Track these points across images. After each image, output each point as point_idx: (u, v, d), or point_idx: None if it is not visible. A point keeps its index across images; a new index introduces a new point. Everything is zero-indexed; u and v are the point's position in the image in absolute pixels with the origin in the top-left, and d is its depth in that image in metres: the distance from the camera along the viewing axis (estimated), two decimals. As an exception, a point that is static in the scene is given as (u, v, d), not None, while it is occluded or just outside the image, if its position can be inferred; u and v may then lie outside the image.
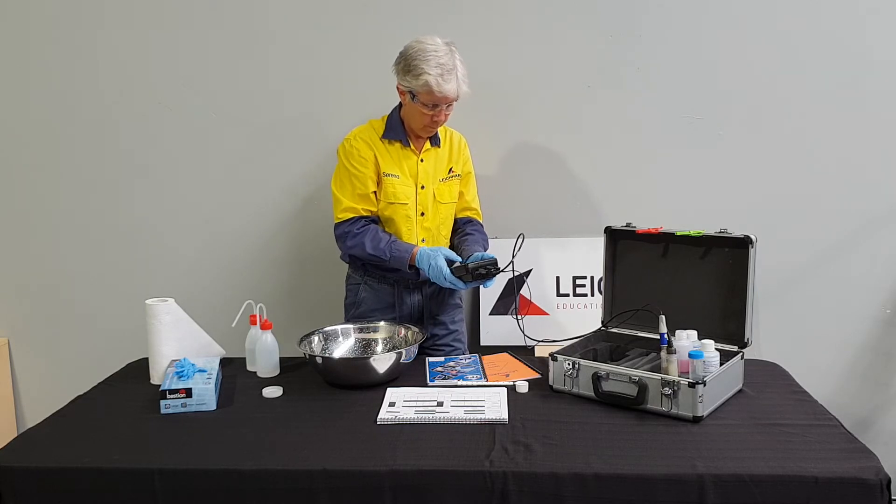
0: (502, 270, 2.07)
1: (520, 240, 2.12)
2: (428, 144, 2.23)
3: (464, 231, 2.35)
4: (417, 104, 2.07)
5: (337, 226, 2.21)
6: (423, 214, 2.23)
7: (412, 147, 2.20)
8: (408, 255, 2.11)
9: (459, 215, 2.36)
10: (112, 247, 2.80)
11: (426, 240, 2.26)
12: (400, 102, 2.18)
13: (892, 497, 1.44)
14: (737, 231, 1.87)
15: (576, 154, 2.64)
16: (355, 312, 2.30)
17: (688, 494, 1.44)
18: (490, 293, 2.63)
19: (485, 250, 2.23)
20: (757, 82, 2.55)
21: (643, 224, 2.03)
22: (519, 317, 2.30)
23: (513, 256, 2.10)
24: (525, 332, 2.23)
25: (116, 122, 2.72)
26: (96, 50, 2.67)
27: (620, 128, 2.62)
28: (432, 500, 1.48)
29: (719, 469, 1.45)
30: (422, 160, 2.22)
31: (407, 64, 2.04)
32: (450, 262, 2.08)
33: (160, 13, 2.63)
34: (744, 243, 1.84)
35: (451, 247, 2.34)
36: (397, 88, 2.12)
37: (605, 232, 2.07)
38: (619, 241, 2.06)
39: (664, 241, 2.00)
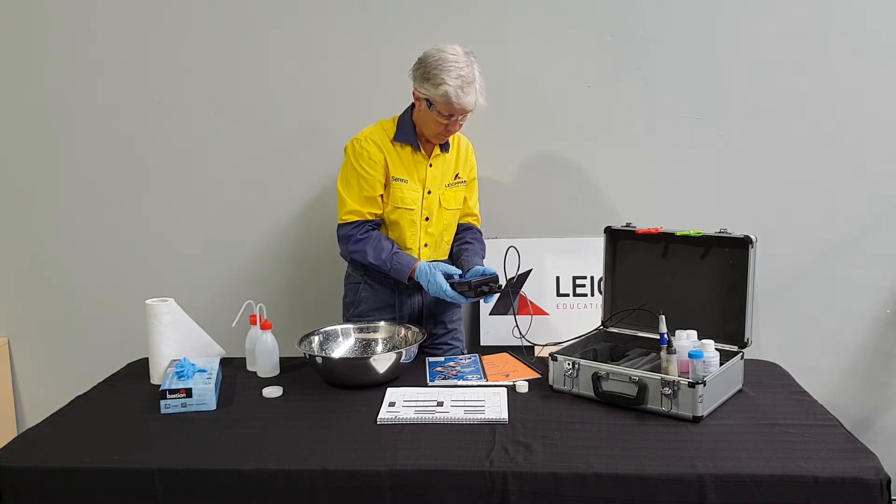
0: (502, 290, 2.09)
1: (509, 252, 2.14)
2: (438, 150, 2.21)
3: (463, 239, 2.34)
4: (433, 112, 2.05)
5: (340, 227, 2.20)
6: (427, 219, 2.23)
7: (422, 152, 2.19)
8: (408, 269, 2.11)
9: (460, 220, 2.36)
10: (112, 247, 2.80)
11: (429, 245, 2.25)
12: (412, 105, 2.16)
13: (893, 497, 1.44)
14: (737, 231, 1.87)
15: (576, 154, 2.64)
16: (354, 311, 2.30)
17: (688, 494, 1.44)
18: (490, 293, 2.63)
19: (483, 259, 2.24)
20: (757, 82, 2.55)
21: (643, 224, 2.03)
22: (517, 318, 2.30)
23: (507, 275, 2.12)
24: (526, 337, 2.23)
25: (117, 122, 2.72)
26: (98, 51, 2.67)
27: (620, 128, 2.62)
28: (432, 500, 1.48)
29: (719, 469, 1.45)
30: (431, 165, 2.21)
31: (426, 72, 2.02)
32: (448, 276, 2.09)
33: (162, 14, 2.63)
34: (744, 243, 1.84)
35: (450, 253, 2.34)
36: (413, 94, 2.10)
37: (605, 232, 2.07)
38: (619, 241, 2.06)
39: (664, 241, 2.00)
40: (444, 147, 2.22)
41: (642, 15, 2.54)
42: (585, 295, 2.64)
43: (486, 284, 2.05)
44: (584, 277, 2.64)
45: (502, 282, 2.13)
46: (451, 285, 2.06)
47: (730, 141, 2.60)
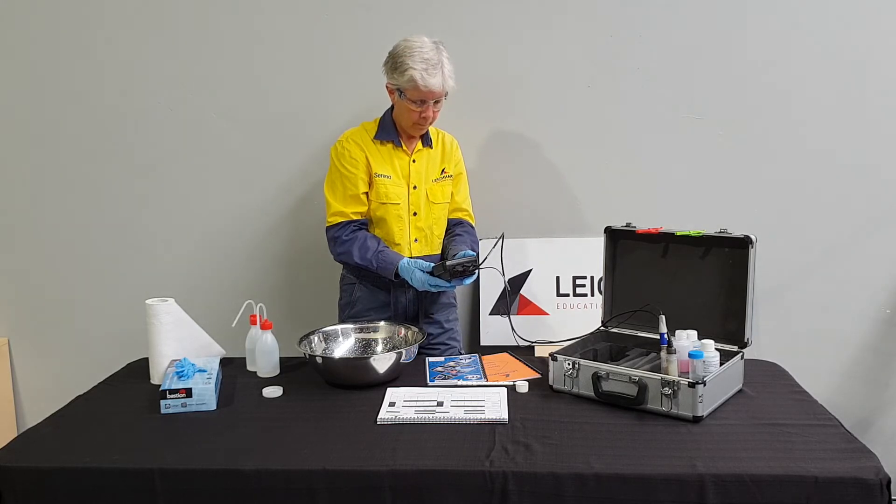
0: (480, 266, 2.09)
1: (500, 239, 2.17)
2: (420, 145, 2.24)
3: (453, 232, 2.36)
4: (405, 101, 2.09)
5: (328, 229, 2.24)
6: (415, 214, 2.25)
7: (404, 147, 2.22)
8: (393, 266, 2.14)
9: (450, 216, 2.37)
10: (112, 247, 2.80)
11: (419, 240, 2.27)
12: (392, 104, 2.20)
13: (892, 497, 1.44)
14: (737, 231, 1.87)
15: (576, 154, 2.64)
16: (350, 312, 2.31)
17: (688, 494, 1.44)
18: (489, 293, 2.63)
19: (471, 249, 2.25)
20: (757, 83, 2.55)
21: (643, 224, 2.03)
22: (512, 318, 2.30)
23: (491, 253, 2.14)
24: (518, 334, 2.23)
25: (116, 122, 2.72)
26: (97, 51, 2.67)
27: (620, 127, 2.62)
28: (432, 500, 1.48)
29: (719, 469, 1.45)
30: (413, 160, 2.23)
31: (394, 62, 2.09)
32: (425, 270, 2.10)
33: (160, 14, 2.63)
34: (744, 243, 1.84)
35: (442, 248, 2.34)
36: (387, 88, 2.15)
37: (605, 232, 2.07)
38: (619, 241, 2.06)
39: (664, 241, 1.99)
40: (426, 142, 2.25)
41: (642, 14, 2.54)
42: (585, 295, 2.64)
43: (462, 265, 2.05)
44: (584, 277, 2.64)
45: (498, 268, 2.13)
46: (430, 272, 2.08)
47: (730, 141, 2.60)
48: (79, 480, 1.53)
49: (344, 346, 2.13)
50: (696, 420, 1.66)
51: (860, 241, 2.61)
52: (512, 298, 2.62)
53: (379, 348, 2.14)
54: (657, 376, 1.71)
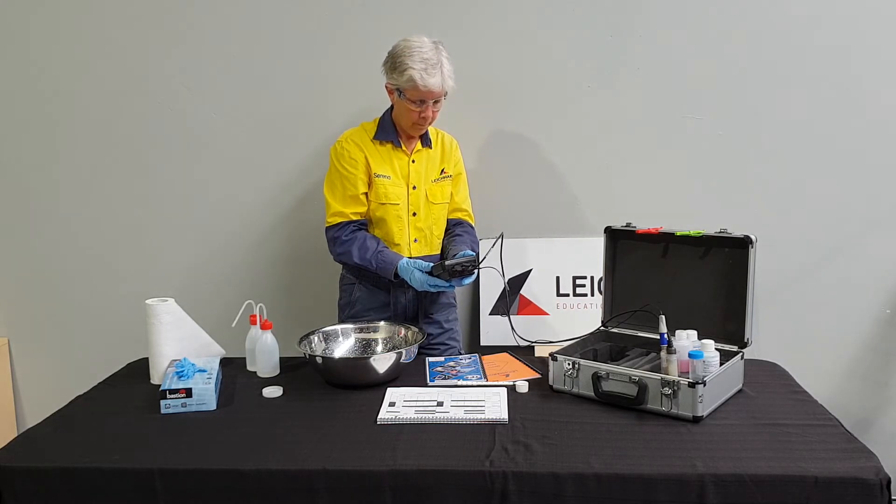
0: (479, 266, 2.09)
1: (500, 238, 2.18)
2: (419, 145, 2.25)
3: (453, 233, 2.36)
4: (405, 101, 2.10)
5: (327, 230, 2.25)
6: (415, 214, 2.25)
7: (403, 148, 2.22)
8: (392, 266, 2.14)
9: (450, 216, 2.37)
10: (112, 247, 2.80)
11: (418, 240, 2.27)
12: (392, 104, 2.20)
13: (892, 497, 1.44)
14: (737, 231, 1.87)
15: (576, 154, 2.64)
16: (350, 312, 2.31)
17: (688, 494, 1.44)
18: (489, 293, 2.63)
19: (471, 249, 2.25)
20: (757, 82, 2.55)
21: (643, 224, 2.03)
22: (512, 318, 2.31)
23: (490, 253, 2.15)
24: (519, 334, 2.24)
25: (116, 122, 2.72)
26: (97, 50, 2.67)
27: (620, 127, 2.62)
28: (432, 500, 1.48)
29: (719, 469, 1.46)
30: (413, 161, 2.23)
31: (393, 62, 2.09)
32: (424, 269, 2.10)
33: (160, 14, 2.63)
34: (744, 243, 1.84)
35: (441, 248, 2.34)
36: (386, 87, 2.15)
37: (605, 232, 2.07)
38: (619, 241, 2.06)
39: (664, 241, 1.99)
40: (425, 142, 2.25)
41: (642, 15, 2.54)
42: (585, 295, 2.64)
43: (461, 265, 2.05)
44: (584, 277, 2.64)
45: (498, 268, 2.13)
46: (430, 272, 2.08)
47: (730, 141, 2.60)
48: (79, 480, 1.53)
49: (344, 346, 2.13)
50: (696, 420, 1.66)
51: (860, 241, 2.61)
52: (512, 298, 2.62)
53: (379, 348, 2.14)
54: (657, 376, 1.71)
